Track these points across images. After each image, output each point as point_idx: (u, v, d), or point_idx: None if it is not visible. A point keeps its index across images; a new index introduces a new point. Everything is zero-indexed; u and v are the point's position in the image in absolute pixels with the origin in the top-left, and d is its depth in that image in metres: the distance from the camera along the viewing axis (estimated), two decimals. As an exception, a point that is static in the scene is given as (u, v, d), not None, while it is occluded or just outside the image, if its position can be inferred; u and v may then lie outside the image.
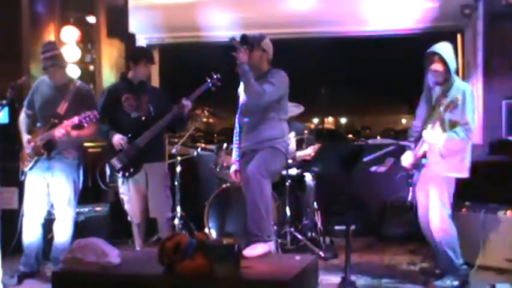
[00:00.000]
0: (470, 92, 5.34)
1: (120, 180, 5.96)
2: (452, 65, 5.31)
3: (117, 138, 5.80)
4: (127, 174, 5.85)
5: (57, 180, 5.72)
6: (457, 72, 5.44)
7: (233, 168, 5.72)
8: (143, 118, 5.89)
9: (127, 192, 5.92)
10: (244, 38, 5.19)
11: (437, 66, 5.32)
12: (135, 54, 6.11)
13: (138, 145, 5.81)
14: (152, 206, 5.92)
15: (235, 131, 5.70)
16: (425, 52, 5.40)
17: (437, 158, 5.26)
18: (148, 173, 5.90)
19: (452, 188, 5.37)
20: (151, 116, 5.91)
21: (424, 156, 5.30)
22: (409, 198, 5.53)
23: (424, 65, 5.45)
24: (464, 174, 5.35)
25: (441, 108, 5.08)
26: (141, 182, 5.90)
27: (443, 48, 5.36)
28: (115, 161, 5.85)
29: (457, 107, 5.04)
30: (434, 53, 5.33)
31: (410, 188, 5.50)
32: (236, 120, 5.67)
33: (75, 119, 5.52)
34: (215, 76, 5.98)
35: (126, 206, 5.97)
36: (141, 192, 5.92)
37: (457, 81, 5.37)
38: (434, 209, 5.35)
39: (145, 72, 6.02)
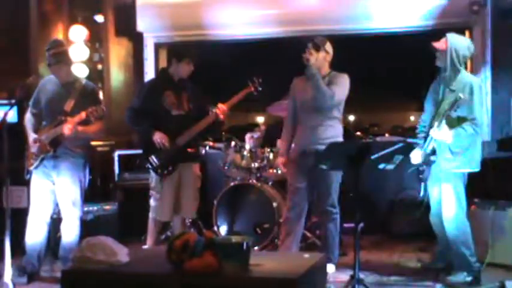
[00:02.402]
0: (478, 86, 5.34)
1: (154, 178, 5.95)
2: (455, 52, 5.29)
3: (159, 136, 5.80)
4: (165, 172, 5.85)
5: (63, 179, 5.70)
6: (465, 67, 5.42)
7: (281, 160, 5.90)
8: (184, 116, 5.89)
9: (160, 189, 5.92)
10: (315, 43, 5.55)
11: (439, 45, 5.35)
12: (179, 52, 6.07)
13: (178, 144, 5.81)
14: (183, 205, 5.93)
15: (286, 128, 5.88)
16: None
17: (447, 154, 5.26)
18: (182, 172, 5.91)
19: (465, 183, 5.38)
20: (191, 114, 5.90)
21: (433, 153, 5.29)
22: (421, 194, 5.53)
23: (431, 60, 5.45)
24: (476, 167, 5.36)
25: (446, 107, 5.09)
26: (174, 181, 5.91)
27: (454, 35, 5.38)
28: (154, 158, 5.85)
29: (462, 104, 5.04)
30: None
31: (422, 184, 5.51)
32: (291, 117, 5.84)
33: (83, 114, 5.52)
34: (256, 80, 5.94)
35: (154, 204, 5.96)
36: (173, 191, 5.92)
37: (463, 74, 5.36)
38: (449, 207, 5.35)
39: (187, 70, 5.97)
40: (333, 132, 5.60)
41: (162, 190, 5.90)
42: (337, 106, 5.62)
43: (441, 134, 5.12)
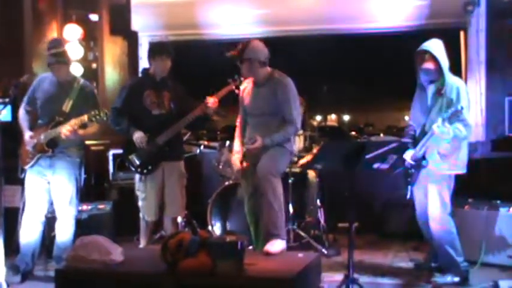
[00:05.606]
0: (464, 88, 5.35)
1: (137, 177, 5.95)
2: (443, 62, 5.29)
3: (138, 136, 5.78)
4: (145, 171, 5.84)
5: (58, 178, 5.71)
6: (451, 70, 5.42)
7: (237, 157, 5.76)
8: (165, 116, 5.87)
9: (143, 189, 5.90)
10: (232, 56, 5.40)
11: (428, 65, 5.31)
12: (151, 49, 6.02)
13: (158, 143, 5.79)
14: (168, 204, 5.89)
15: (237, 130, 5.81)
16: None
17: (436, 157, 5.27)
18: (166, 171, 5.88)
19: (451, 185, 5.39)
20: (172, 113, 5.88)
21: (424, 157, 5.29)
22: (408, 196, 5.55)
23: (414, 64, 5.43)
24: (463, 170, 5.37)
25: (450, 111, 5.06)
26: (158, 180, 5.88)
27: (434, 45, 5.34)
28: (134, 158, 5.84)
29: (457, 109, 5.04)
30: (425, 51, 5.31)
31: (409, 187, 5.52)
32: (239, 119, 5.81)
33: (85, 117, 5.52)
34: (238, 78, 5.91)
35: (141, 204, 5.94)
36: (158, 190, 5.89)
37: (450, 78, 5.34)
38: (435, 207, 5.37)
39: (164, 66, 5.88)
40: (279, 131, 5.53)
41: (146, 190, 5.89)
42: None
43: (444, 130, 5.06)
